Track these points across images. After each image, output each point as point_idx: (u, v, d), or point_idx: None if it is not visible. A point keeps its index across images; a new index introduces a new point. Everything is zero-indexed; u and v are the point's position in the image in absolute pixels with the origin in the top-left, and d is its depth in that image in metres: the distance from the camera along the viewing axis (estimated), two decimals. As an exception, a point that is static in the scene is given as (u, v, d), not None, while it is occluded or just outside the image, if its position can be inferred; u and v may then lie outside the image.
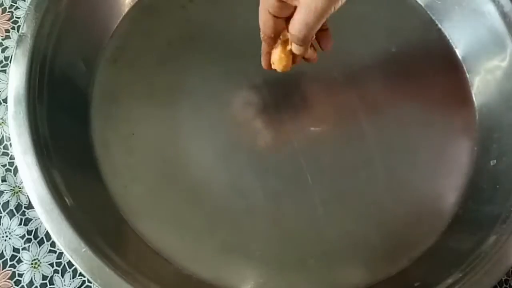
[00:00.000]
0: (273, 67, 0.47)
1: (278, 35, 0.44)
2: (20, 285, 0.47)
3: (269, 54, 0.46)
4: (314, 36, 0.44)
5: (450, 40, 0.57)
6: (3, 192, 0.49)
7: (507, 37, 0.52)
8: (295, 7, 0.40)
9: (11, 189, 0.50)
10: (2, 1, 0.56)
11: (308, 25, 0.40)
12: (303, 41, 0.42)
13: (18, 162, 0.45)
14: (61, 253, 0.48)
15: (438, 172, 0.52)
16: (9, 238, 0.48)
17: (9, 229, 0.48)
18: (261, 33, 0.44)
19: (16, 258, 0.48)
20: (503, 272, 0.44)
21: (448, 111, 0.54)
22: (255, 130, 0.53)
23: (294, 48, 0.44)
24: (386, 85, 0.55)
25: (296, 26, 0.40)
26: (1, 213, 0.49)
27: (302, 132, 0.52)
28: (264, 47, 0.47)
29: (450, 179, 0.52)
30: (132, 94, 0.53)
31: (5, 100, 0.52)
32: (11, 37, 0.55)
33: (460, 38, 0.56)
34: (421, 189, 0.51)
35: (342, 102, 0.54)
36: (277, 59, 0.46)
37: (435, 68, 0.56)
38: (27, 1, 0.56)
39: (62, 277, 0.47)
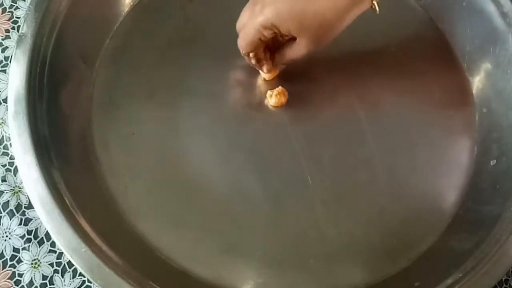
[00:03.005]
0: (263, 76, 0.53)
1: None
2: (20, 285, 0.47)
3: (260, 61, 0.49)
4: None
5: (450, 40, 0.57)
6: (3, 192, 0.49)
7: (507, 37, 0.52)
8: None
9: (11, 189, 0.50)
10: (2, 1, 0.56)
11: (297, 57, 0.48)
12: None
13: (18, 162, 0.45)
14: (61, 253, 0.48)
15: (438, 172, 0.52)
16: (9, 238, 0.48)
17: (9, 229, 0.48)
18: (242, 51, 0.48)
19: (16, 258, 0.48)
20: (503, 272, 0.44)
21: (448, 111, 0.54)
22: (255, 130, 0.52)
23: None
24: (385, 85, 0.54)
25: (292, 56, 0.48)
26: (1, 213, 0.49)
27: (302, 132, 0.52)
28: (251, 61, 0.49)
29: (450, 179, 0.52)
30: (132, 94, 0.53)
31: (5, 100, 0.52)
32: (11, 37, 0.55)
33: (460, 38, 0.56)
34: (421, 189, 0.51)
35: (342, 102, 0.54)
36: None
37: (435, 68, 0.56)
38: (27, 1, 0.56)
39: (62, 277, 0.47)
